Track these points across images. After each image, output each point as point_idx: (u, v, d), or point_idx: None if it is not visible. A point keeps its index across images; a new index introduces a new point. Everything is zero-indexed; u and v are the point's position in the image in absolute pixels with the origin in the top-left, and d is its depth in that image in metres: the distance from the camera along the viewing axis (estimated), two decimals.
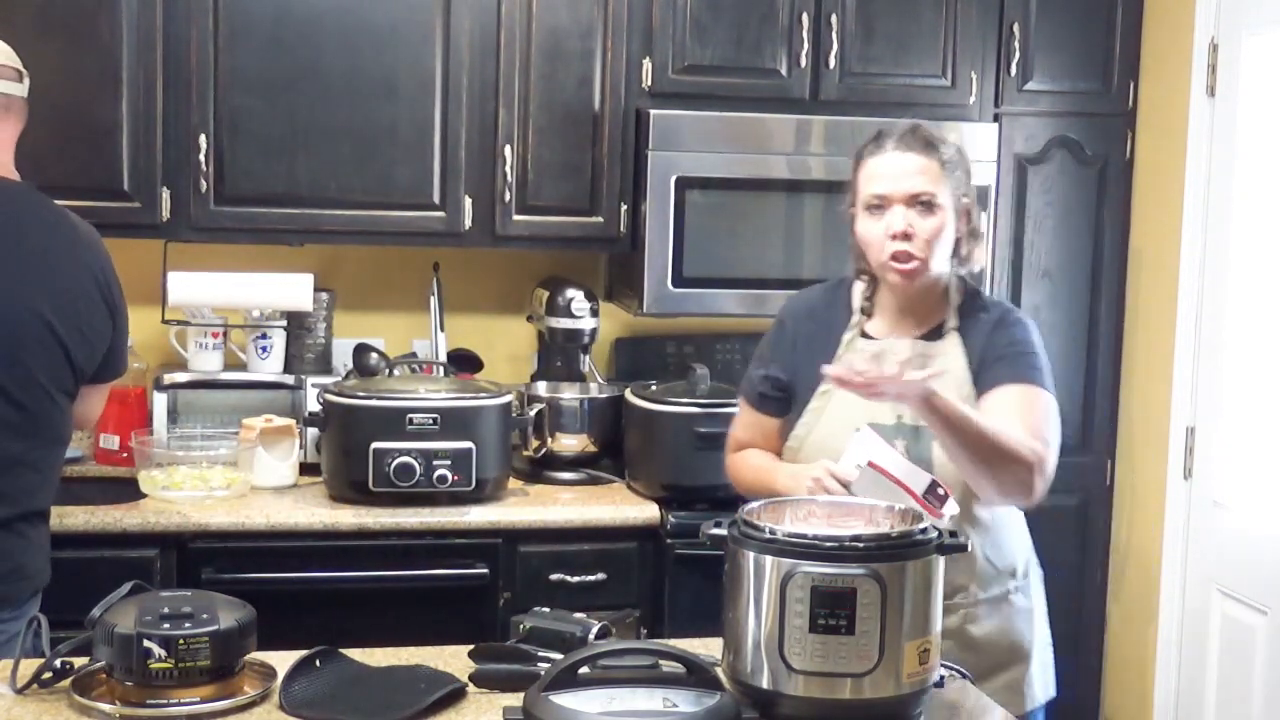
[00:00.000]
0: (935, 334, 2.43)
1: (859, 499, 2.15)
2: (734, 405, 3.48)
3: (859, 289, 2.51)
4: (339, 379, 3.49)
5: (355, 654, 2.17)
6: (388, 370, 3.49)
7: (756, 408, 2.55)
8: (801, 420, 2.45)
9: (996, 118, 3.78)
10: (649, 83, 3.59)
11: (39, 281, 2.59)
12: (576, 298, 3.62)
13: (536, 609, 2.23)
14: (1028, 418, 2.33)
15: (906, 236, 2.34)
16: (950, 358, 2.40)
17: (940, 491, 2.16)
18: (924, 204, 2.35)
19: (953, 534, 1.95)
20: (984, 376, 2.39)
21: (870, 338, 2.45)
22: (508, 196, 3.56)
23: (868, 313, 2.48)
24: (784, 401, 2.50)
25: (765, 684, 1.89)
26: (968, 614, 2.40)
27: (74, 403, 2.68)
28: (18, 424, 2.56)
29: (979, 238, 2.47)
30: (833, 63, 3.66)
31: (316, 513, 3.23)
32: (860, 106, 3.67)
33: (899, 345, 2.40)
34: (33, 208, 2.66)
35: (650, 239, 3.55)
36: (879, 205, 2.37)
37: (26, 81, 2.70)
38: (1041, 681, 2.54)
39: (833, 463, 2.26)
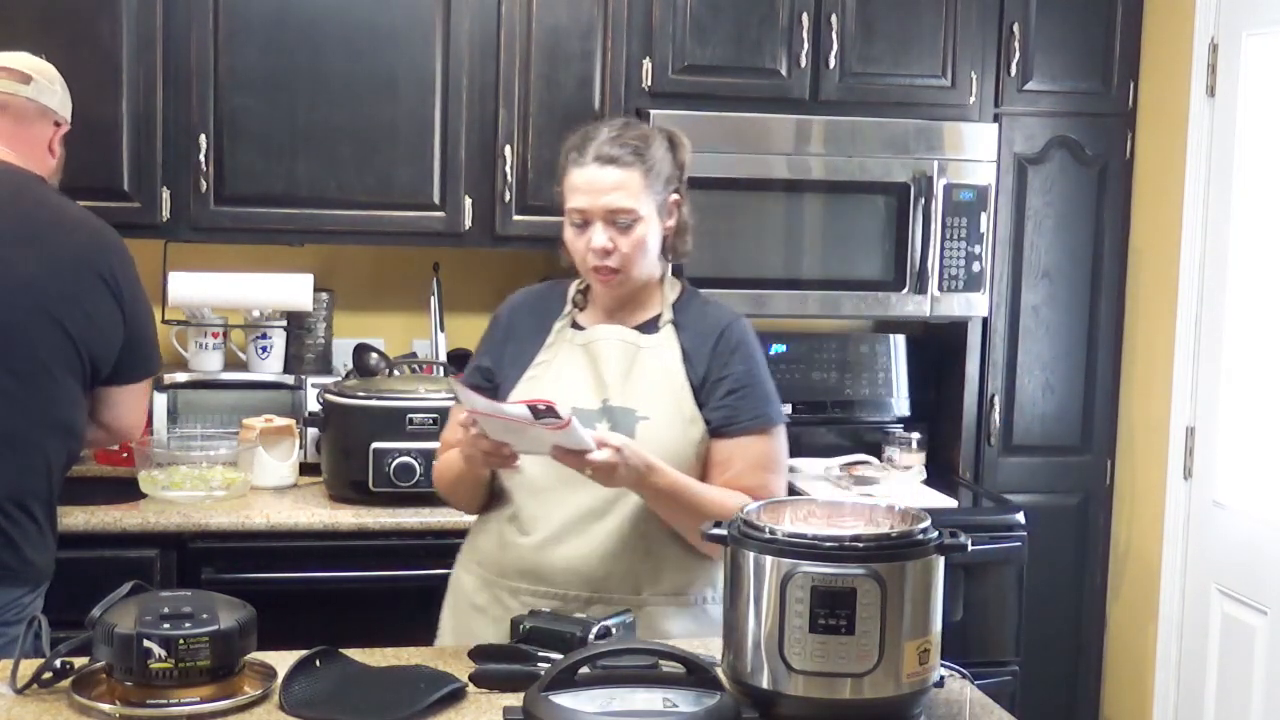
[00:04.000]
0: (650, 327, 2.42)
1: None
2: None
3: (575, 283, 2.50)
4: (339, 379, 3.49)
5: (355, 654, 2.17)
6: (388, 370, 3.49)
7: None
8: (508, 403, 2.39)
9: (996, 118, 3.78)
10: (649, 83, 3.59)
11: (38, 260, 2.62)
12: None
13: (537, 609, 2.23)
14: (769, 471, 2.38)
15: (606, 252, 2.33)
16: (664, 349, 2.39)
17: (542, 407, 2.10)
18: (623, 220, 2.33)
19: (953, 533, 1.95)
20: (717, 405, 2.37)
21: (581, 328, 2.44)
22: (508, 196, 3.56)
23: (579, 305, 2.46)
24: (492, 391, 2.42)
25: (765, 684, 1.89)
26: (654, 611, 2.35)
27: (88, 395, 2.70)
28: (16, 396, 2.58)
29: (687, 231, 2.45)
30: (833, 63, 3.66)
31: (316, 513, 3.23)
32: (860, 106, 3.68)
33: (609, 333, 2.40)
34: (38, 194, 2.71)
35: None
36: (581, 220, 2.35)
37: (35, 85, 2.76)
38: None
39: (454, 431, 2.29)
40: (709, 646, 2.17)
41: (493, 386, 2.44)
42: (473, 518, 2.55)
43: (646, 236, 2.35)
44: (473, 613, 2.42)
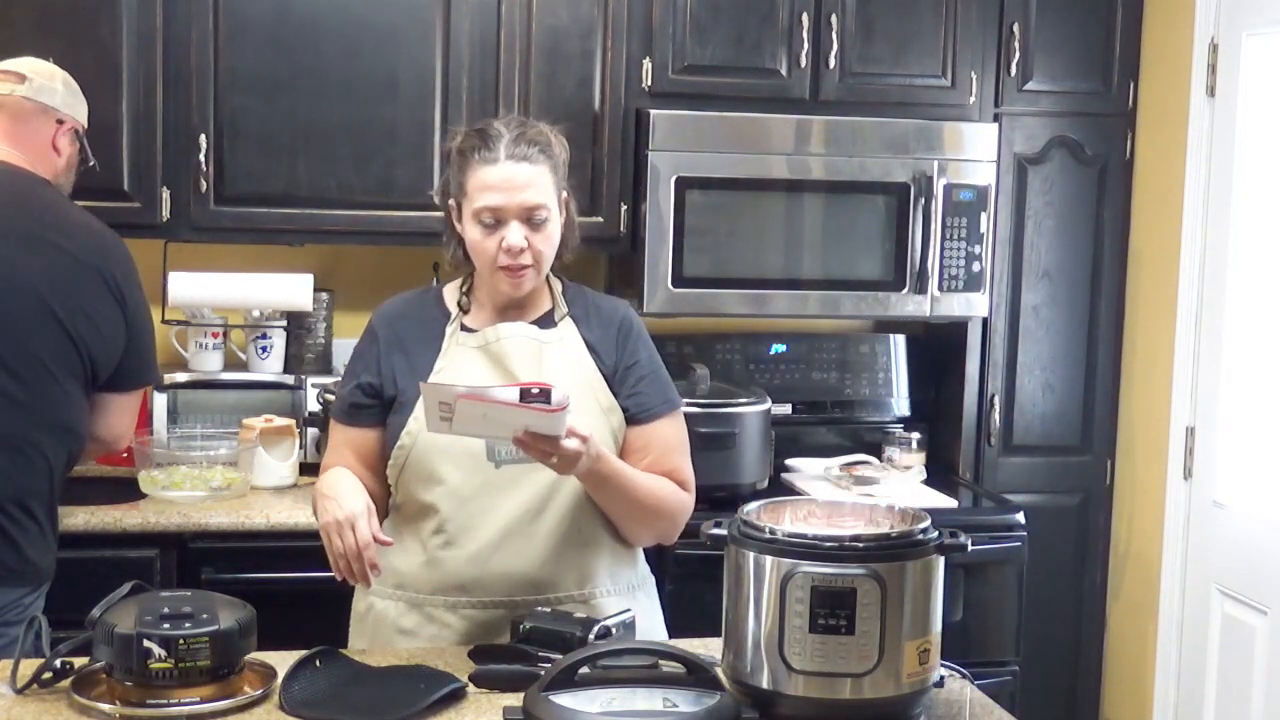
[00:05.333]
0: (545, 322, 2.40)
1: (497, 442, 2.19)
2: (734, 405, 3.51)
3: (451, 286, 2.45)
4: (339, 379, 3.49)
5: (355, 654, 2.17)
6: None
7: (348, 423, 2.39)
8: (413, 416, 2.31)
9: (996, 118, 3.78)
10: (649, 83, 3.59)
11: (41, 262, 2.62)
12: None
13: (537, 609, 2.23)
14: (682, 453, 2.41)
15: (521, 251, 2.29)
16: (568, 342, 2.38)
17: (535, 390, 2.08)
18: (538, 217, 2.30)
19: (953, 533, 1.95)
20: (630, 392, 2.38)
21: (471, 330, 2.38)
22: None
23: (465, 308, 2.41)
24: (378, 409, 2.36)
25: (765, 684, 1.89)
26: (599, 604, 2.35)
27: (88, 398, 2.70)
28: (17, 397, 2.58)
29: (574, 226, 2.43)
30: (833, 63, 3.66)
31: None
32: (860, 106, 3.68)
33: (511, 330, 2.36)
34: (41, 195, 2.72)
35: (650, 239, 3.55)
36: (494, 219, 2.29)
37: (30, 84, 2.77)
38: None
39: (361, 515, 2.18)
40: (709, 646, 2.17)
41: (378, 403, 2.36)
42: None
43: (555, 232, 2.34)
44: (399, 638, 2.33)
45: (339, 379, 3.47)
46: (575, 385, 2.33)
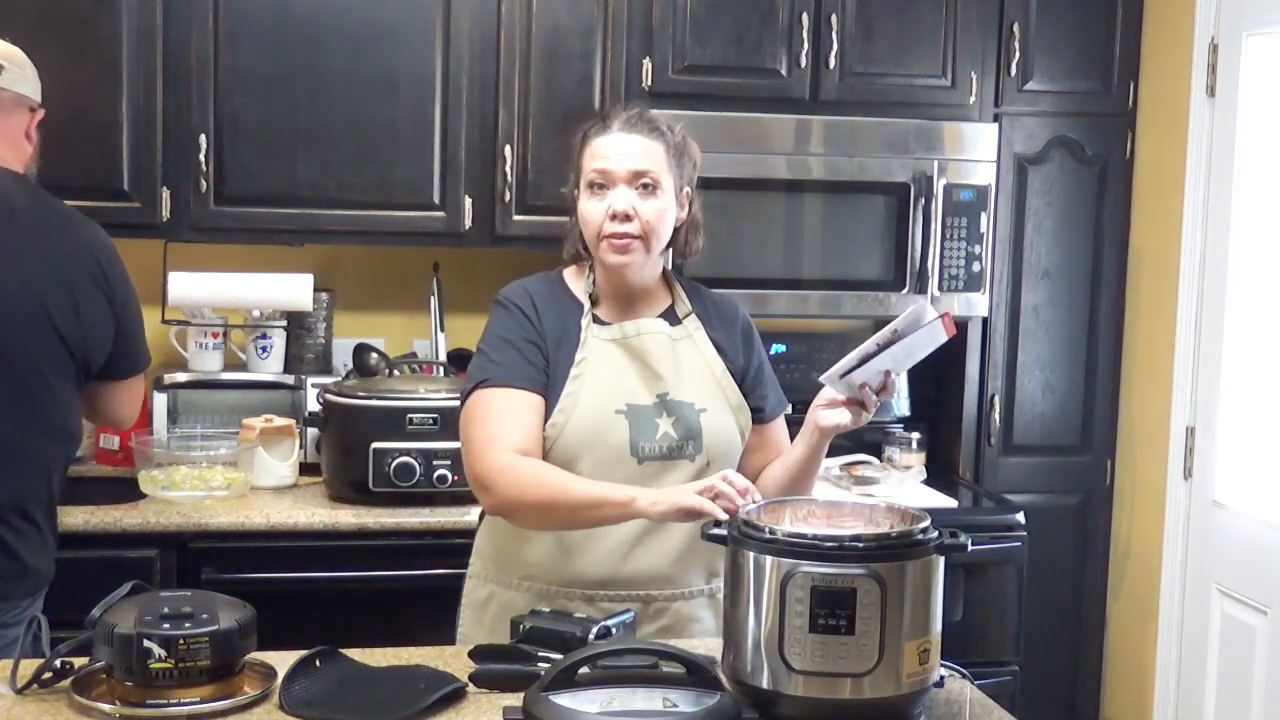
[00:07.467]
0: (670, 318, 2.42)
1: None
2: None
3: (571, 275, 2.45)
4: (339, 379, 3.49)
5: (355, 654, 2.17)
6: (388, 370, 3.49)
7: (528, 387, 2.30)
8: (558, 407, 2.30)
9: (996, 118, 3.78)
10: (649, 83, 3.59)
11: (31, 263, 2.60)
12: None
13: (536, 609, 2.23)
14: None
15: (627, 217, 2.30)
16: (696, 340, 2.41)
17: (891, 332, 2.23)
18: (646, 185, 2.31)
19: (953, 533, 1.95)
20: (759, 393, 2.46)
21: (604, 323, 2.39)
22: (508, 196, 3.56)
23: (595, 300, 2.41)
24: (546, 382, 2.32)
25: (765, 684, 1.89)
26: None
27: (82, 398, 2.69)
28: (13, 404, 2.57)
29: (699, 229, 2.45)
30: (833, 63, 3.66)
31: (316, 513, 3.23)
32: (860, 106, 3.68)
33: (651, 326, 2.38)
34: (25, 193, 2.68)
35: None
36: (601, 184, 2.31)
37: (7, 74, 2.68)
38: None
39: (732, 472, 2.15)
40: (709, 647, 2.17)
41: (546, 376, 2.33)
42: (472, 520, 2.53)
43: (665, 211, 2.34)
44: None
45: (339, 379, 3.49)
46: (707, 384, 2.38)
